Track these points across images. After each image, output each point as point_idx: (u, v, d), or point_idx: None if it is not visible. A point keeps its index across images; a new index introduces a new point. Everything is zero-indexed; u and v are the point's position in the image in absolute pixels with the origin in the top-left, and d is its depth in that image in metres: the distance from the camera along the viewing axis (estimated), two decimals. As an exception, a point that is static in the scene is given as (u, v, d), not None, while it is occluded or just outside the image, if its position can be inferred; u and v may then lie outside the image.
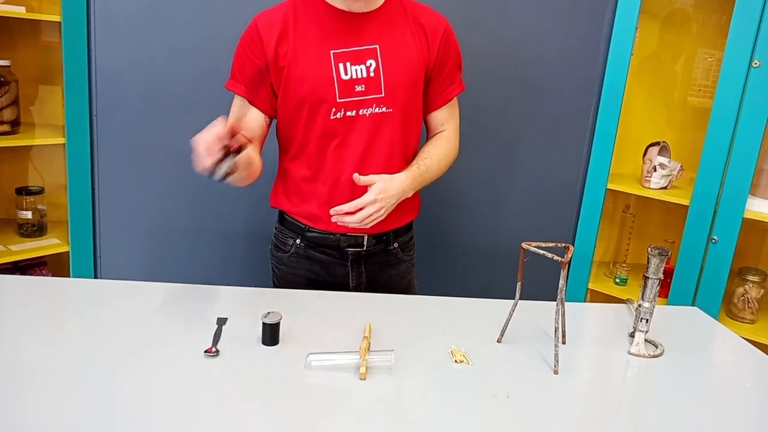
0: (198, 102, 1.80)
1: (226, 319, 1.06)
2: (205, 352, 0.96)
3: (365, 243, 1.32)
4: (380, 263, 1.36)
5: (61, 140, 1.78)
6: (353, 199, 1.17)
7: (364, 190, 1.19)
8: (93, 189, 1.85)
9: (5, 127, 1.76)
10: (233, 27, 1.72)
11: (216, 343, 0.98)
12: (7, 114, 1.77)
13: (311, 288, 1.34)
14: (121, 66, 1.77)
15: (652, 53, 1.96)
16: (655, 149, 1.84)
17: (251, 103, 1.25)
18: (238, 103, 1.28)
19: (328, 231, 1.29)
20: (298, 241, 1.33)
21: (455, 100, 1.36)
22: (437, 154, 1.32)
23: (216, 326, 1.04)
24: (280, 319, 1.00)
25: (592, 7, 1.81)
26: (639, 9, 1.73)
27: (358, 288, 1.35)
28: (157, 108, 1.81)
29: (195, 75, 1.79)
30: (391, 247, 1.36)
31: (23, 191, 1.87)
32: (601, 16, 1.81)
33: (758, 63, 1.59)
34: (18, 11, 1.68)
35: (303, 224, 1.31)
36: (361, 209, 1.16)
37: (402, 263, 1.40)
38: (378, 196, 1.16)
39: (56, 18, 1.69)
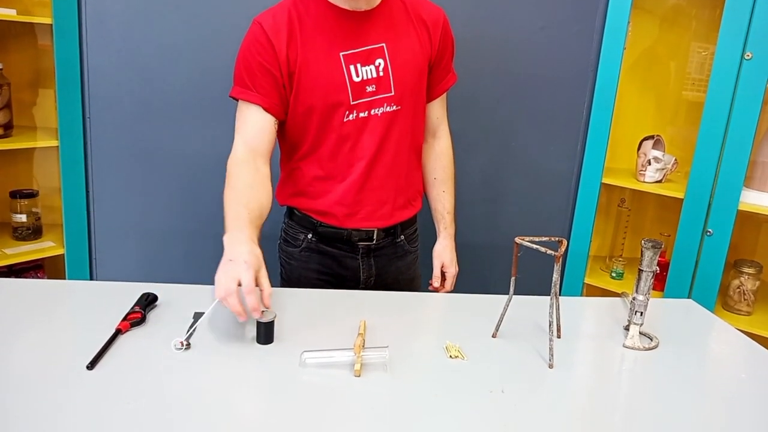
0: (191, 103, 1.80)
1: (203, 313, 1.05)
2: (175, 345, 0.96)
3: (375, 237, 1.33)
4: (388, 255, 1.38)
5: (54, 143, 1.78)
6: (362, 192, 1.28)
7: (374, 181, 1.27)
8: (87, 191, 1.85)
9: (-2, 131, 1.76)
10: (226, 28, 1.73)
11: (189, 336, 0.98)
12: (0, 117, 1.76)
13: (321, 282, 1.34)
14: (113, 68, 1.77)
15: (645, 48, 1.96)
16: (649, 143, 1.84)
17: (267, 110, 1.19)
18: (251, 111, 1.20)
19: (341, 227, 1.30)
20: (309, 235, 1.33)
21: (446, 93, 1.40)
22: (450, 187, 1.45)
23: (192, 320, 1.04)
24: (275, 317, 1.00)
25: (585, 1, 1.81)
26: (631, 3, 1.73)
27: (368, 280, 1.37)
28: (151, 109, 1.80)
29: (188, 76, 1.78)
30: (398, 240, 1.38)
31: (17, 194, 1.86)
32: (594, 11, 1.81)
33: (750, 55, 1.60)
34: (9, 14, 1.67)
35: (315, 219, 1.32)
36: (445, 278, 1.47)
37: (408, 255, 1.42)
38: (454, 269, 1.46)
39: (48, 20, 1.69)
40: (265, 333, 1.00)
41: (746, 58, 1.60)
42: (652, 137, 1.85)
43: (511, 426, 0.83)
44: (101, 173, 1.84)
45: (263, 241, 1.15)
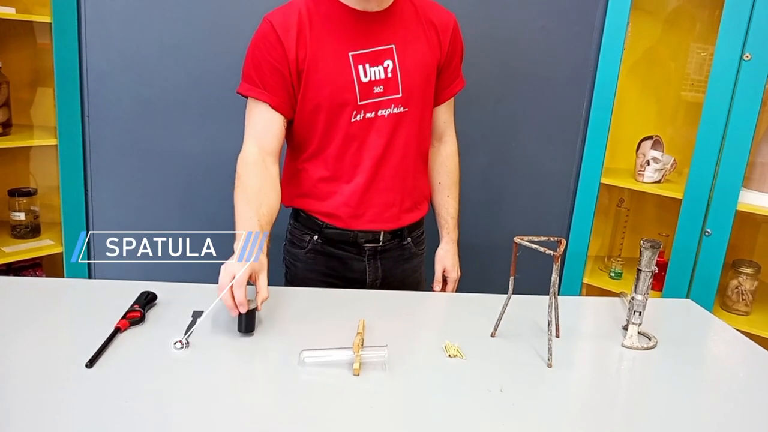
0: (190, 102, 1.80)
1: (201, 312, 1.05)
2: (175, 344, 0.96)
3: (381, 239, 1.33)
4: (395, 258, 1.37)
5: (53, 141, 1.77)
6: (368, 194, 1.28)
7: (380, 183, 1.27)
8: (86, 190, 1.85)
9: (-3, 129, 1.76)
10: (225, 27, 1.73)
11: (188, 336, 0.98)
12: (-1, 116, 1.76)
13: (326, 285, 1.33)
14: (112, 67, 1.76)
15: (644, 48, 1.96)
16: (648, 143, 1.85)
17: (275, 108, 1.19)
18: (259, 109, 1.20)
19: (347, 228, 1.30)
20: (315, 237, 1.33)
21: (454, 98, 1.40)
22: (454, 192, 1.45)
23: (191, 319, 1.04)
24: (256, 307, 1.00)
25: (585, 1, 1.81)
26: (631, 4, 1.73)
27: (374, 283, 1.36)
28: (149, 108, 1.80)
29: (187, 75, 1.78)
30: (405, 242, 1.38)
31: (16, 193, 1.86)
32: (593, 11, 1.81)
33: (749, 56, 1.60)
34: (8, 12, 1.67)
35: (321, 221, 1.31)
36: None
37: (415, 257, 1.42)
38: (456, 274, 1.46)
39: (47, 19, 1.69)
40: (246, 321, 1.00)
41: (745, 59, 1.60)
42: (651, 137, 1.85)
43: (509, 425, 0.83)
44: (100, 172, 1.84)
45: (271, 241, 1.16)
